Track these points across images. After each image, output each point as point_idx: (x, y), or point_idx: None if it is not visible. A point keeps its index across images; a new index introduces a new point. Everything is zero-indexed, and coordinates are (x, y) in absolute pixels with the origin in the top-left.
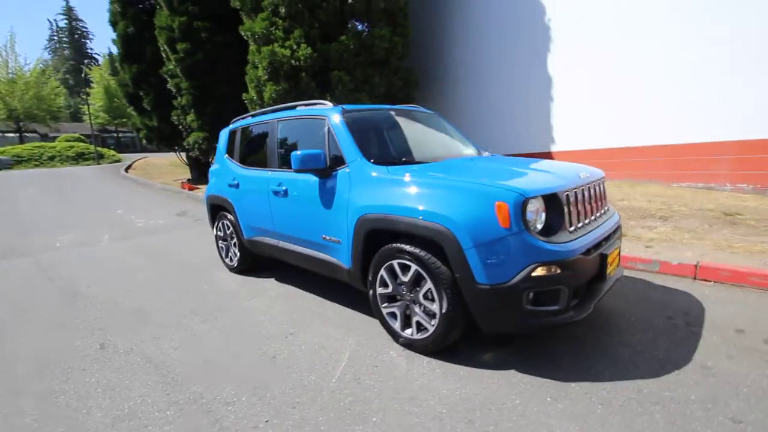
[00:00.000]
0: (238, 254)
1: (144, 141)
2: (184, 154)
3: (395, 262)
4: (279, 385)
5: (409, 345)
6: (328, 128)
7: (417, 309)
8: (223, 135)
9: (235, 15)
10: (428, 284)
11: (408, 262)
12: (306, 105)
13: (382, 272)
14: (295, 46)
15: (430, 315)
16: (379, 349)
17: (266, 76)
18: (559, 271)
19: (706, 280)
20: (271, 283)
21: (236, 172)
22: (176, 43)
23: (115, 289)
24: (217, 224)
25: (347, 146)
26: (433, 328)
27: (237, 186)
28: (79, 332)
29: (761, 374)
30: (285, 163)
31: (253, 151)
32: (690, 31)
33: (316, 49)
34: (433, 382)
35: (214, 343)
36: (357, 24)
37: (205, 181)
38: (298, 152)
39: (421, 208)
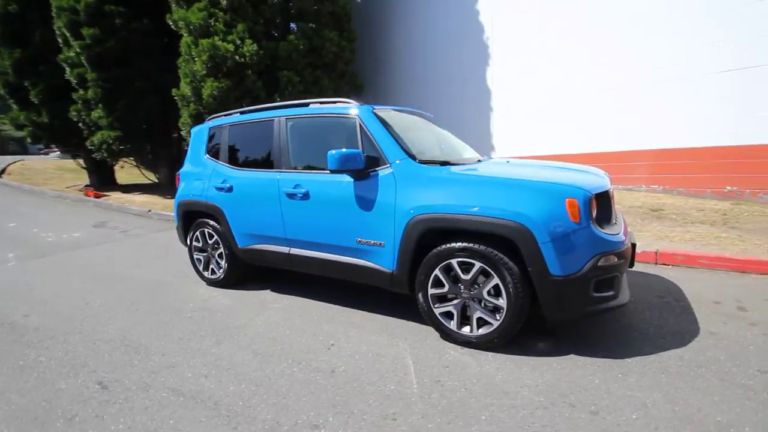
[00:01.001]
0: (225, 266)
1: (29, 140)
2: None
3: (454, 261)
4: (359, 399)
5: (469, 342)
6: (361, 127)
7: (477, 306)
8: (199, 133)
9: (156, 1)
10: (494, 280)
11: (470, 260)
12: (322, 103)
13: (437, 272)
14: (238, 41)
15: (494, 310)
16: (438, 350)
17: (204, 71)
18: (615, 260)
19: (666, 264)
20: (269, 295)
21: (227, 174)
22: (81, 28)
23: (69, 316)
24: (193, 234)
25: (389, 146)
26: (498, 322)
27: (229, 189)
28: (57, 373)
29: (755, 334)
30: (301, 163)
31: (250, 150)
32: (600, 61)
33: (261, 46)
34: (513, 375)
35: (249, 365)
36: (303, 24)
37: (111, 188)
38: (334, 152)
39: (492, 206)
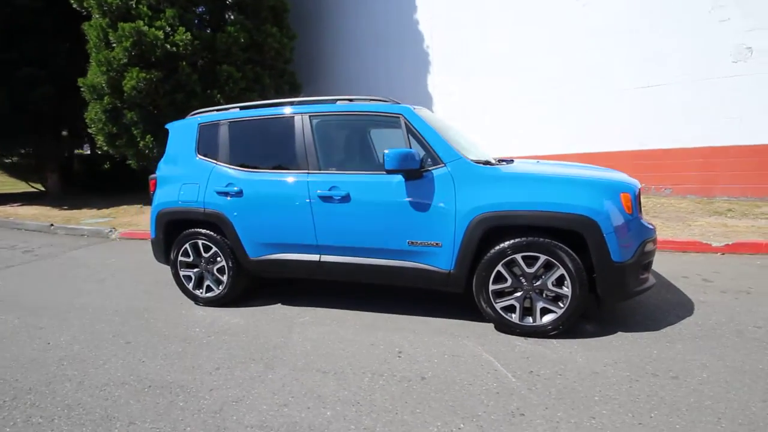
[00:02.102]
0: (228, 281)
1: None
2: None
3: (519, 256)
4: (473, 401)
5: (533, 332)
6: (407, 126)
7: (539, 297)
8: (183, 130)
9: None
10: (559, 271)
11: (535, 254)
12: (351, 100)
13: (500, 268)
14: (168, 29)
15: (555, 299)
16: (505, 343)
17: (126, 59)
18: (653, 245)
19: None
20: (285, 309)
21: (233, 176)
22: None
23: (37, 362)
24: (180, 248)
25: (441, 145)
26: (562, 310)
27: (238, 194)
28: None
29: (731, 298)
30: (333, 164)
31: (263, 150)
32: (533, 74)
33: (196, 36)
34: (589, 357)
35: (327, 385)
36: (241, 17)
37: None
38: (391, 150)
39: (562, 202)
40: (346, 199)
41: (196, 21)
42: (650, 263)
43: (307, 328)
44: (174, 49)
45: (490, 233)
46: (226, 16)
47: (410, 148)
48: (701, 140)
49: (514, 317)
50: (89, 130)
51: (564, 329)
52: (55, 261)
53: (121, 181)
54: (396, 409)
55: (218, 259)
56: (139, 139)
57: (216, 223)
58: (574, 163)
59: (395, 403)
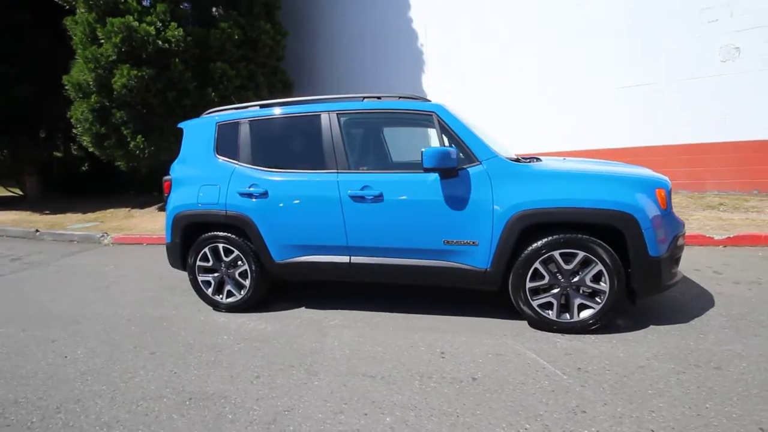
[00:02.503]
0: (251, 285)
1: None
2: None
3: (557, 252)
4: (531, 400)
5: (570, 328)
6: (441, 124)
7: (575, 293)
8: (200, 129)
9: None
10: (597, 267)
11: (573, 250)
12: (379, 98)
13: (537, 265)
14: (160, 24)
15: (592, 295)
16: (545, 340)
17: (115, 56)
18: (683, 240)
19: None
20: (311, 312)
21: (257, 177)
22: None
23: (59, 378)
24: (199, 252)
25: (476, 143)
26: (600, 305)
27: (263, 195)
28: None
29: (744, 289)
30: (363, 162)
31: (288, 149)
32: (527, 74)
33: (189, 32)
34: (629, 351)
35: (378, 390)
36: (233, 12)
37: None
38: (430, 149)
39: (601, 198)
40: (379, 198)
41: (187, 16)
42: (680, 257)
43: (339, 331)
44: (166, 45)
45: (527, 231)
46: (213, 11)
47: (447, 146)
48: (690, 137)
49: (551, 314)
50: (75, 131)
51: (601, 324)
52: (48, 269)
53: (103, 183)
54: (455, 411)
55: (239, 263)
56: (129, 140)
57: (238, 225)
58: (596, 159)
59: (453, 406)
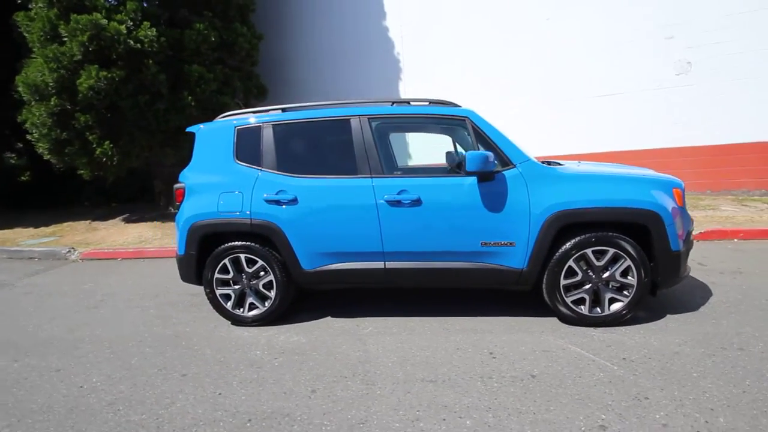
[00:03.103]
0: (277, 296)
1: None
2: None
3: (589, 251)
4: (594, 391)
5: (602, 322)
6: (474, 129)
7: (605, 288)
8: (219, 135)
9: None
10: (626, 262)
11: (604, 248)
12: (408, 102)
13: (571, 263)
14: (130, 23)
15: (621, 289)
16: (582, 335)
17: (81, 56)
18: (692, 234)
19: None
20: (342, 322)
21: (285, 183)
22: None
23: (84, 406)
24: (218, 264)
25: (510, 147)
26: (628, 299)
27: (292, 201)
28: None
29: (729, 279)
30: (397, 167)
31: (316, 154)
32: (503, 82)
33: (162, 32)
34: (660, 339)
35: (446, 394)
36: (208, 13)
37: None
38: (470, 153)
39: (631, 198)
40: (417, 203)
41: (161, 17)
42: (689, 251)
43: (378, 338)
44: (138, 45)
45: (562, 231)
46: (184, 13)
47: (476, 149)
48: (655, 142)
49: (584, 309)
50: (29, 137)
51: (629, 316)
52: (15, 290)
53: (50, 194)
54: (530, 409)
55: (263, 273)
56: (95, 146)
57: (264, 234)
58: (607, 163)
59: (525, 404)
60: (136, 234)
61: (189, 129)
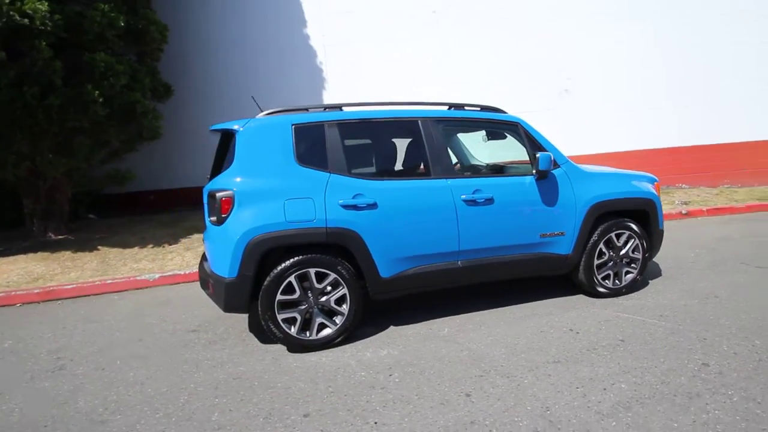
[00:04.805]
0: (351, 311)
1: None
2: None
3: (613, 234)
4: (681, 345)
5: (618, 292)
6: (526, 134)
7: (622, 264)
8: (272, 134)
9: None
10: (635, 241)
11: (622, 231)
12: (463, 107)
13: (601, 245)
14: None
15: (631, 263)
16: (615, 306)
17: None
18: None
19: None
20: (412, 329)
21: (362, 186)
22: None
23: None
24: (281, 283)
25: (555, 150)
26: (637, 269)
27: (372, 206)
28: None
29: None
30: (464, 168)
31: (385, 156)
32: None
33: (55, 9)
34: (669, 298)
35: (581, 370)
36: None
37: None
38: (542, 154)
39: (639, 190)
40: (490, 201)
41: None
42: None
43: (464, 337)
44: (25, 21)
45: (599, 219)
46: None
47: (528, 151)
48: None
49: (609, 283)
50: None
51: (630, 290)
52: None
53: None
54: (651, 364)
55: (337, 287)
56: None
57: (340, 242)
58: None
59: (645, 361)
60: (22, 271)
61: (222, 126)
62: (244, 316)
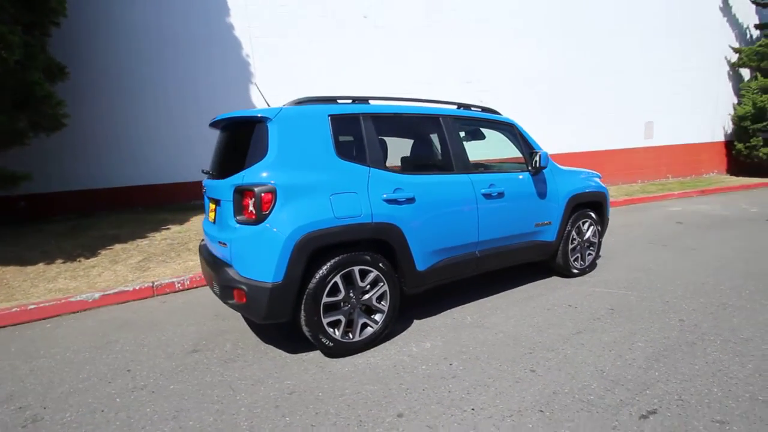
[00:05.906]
0: (391, 307)
1: None
2: None
3: (580, 222)
4: (653, 304)
5: (587, 271)
6: (519, 134)
7: (585, 247)
8: (309, 124)
9: None
10: (594, 227)
11: (586, 219)
12: (468, 107)
13: (573, 232)
14: None
15: (590, 246)
16: (583, 283)
17: None
18: None
19: None
20: (436, 320)
21: (401, 180)
22: None
23: None
24: (327, 284)
25: (539, 148)
26: (595, 251)
27: (410, 200)
28: None
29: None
30: (475, 164)
31: (414, 150)
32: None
33: None
34: (619, 272)
35: (627, 339)
36: None
37: None
38: (543, 152)
39: (596, 185)
40: (501, 195)
41: None
42: None
43: (490, 321)
44: None
45: (573, 210)
46: None
47: (521, 150)
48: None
49: (578, 264)
50: None
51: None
52: None
53: None
54: (646, 327)
55: (378, 284)
56: None
57: (383, 238)
58: None
59: (640, 323)
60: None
61: (241, 114)
62: (243, 329)
